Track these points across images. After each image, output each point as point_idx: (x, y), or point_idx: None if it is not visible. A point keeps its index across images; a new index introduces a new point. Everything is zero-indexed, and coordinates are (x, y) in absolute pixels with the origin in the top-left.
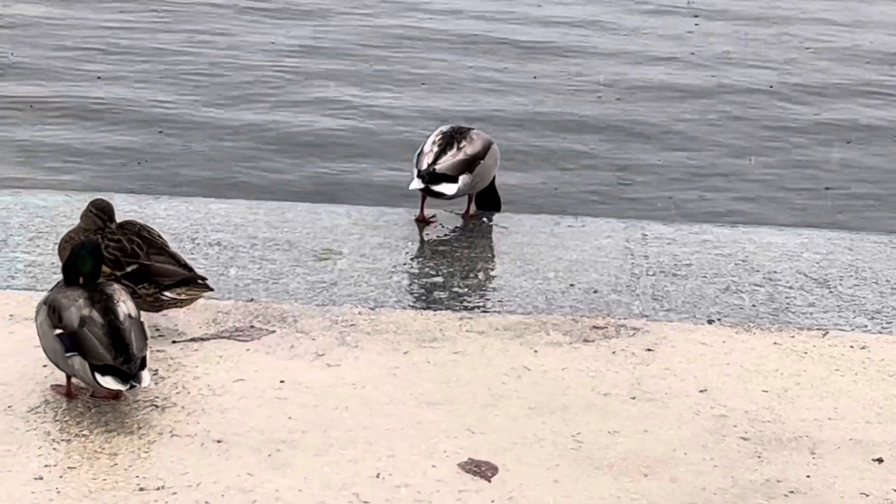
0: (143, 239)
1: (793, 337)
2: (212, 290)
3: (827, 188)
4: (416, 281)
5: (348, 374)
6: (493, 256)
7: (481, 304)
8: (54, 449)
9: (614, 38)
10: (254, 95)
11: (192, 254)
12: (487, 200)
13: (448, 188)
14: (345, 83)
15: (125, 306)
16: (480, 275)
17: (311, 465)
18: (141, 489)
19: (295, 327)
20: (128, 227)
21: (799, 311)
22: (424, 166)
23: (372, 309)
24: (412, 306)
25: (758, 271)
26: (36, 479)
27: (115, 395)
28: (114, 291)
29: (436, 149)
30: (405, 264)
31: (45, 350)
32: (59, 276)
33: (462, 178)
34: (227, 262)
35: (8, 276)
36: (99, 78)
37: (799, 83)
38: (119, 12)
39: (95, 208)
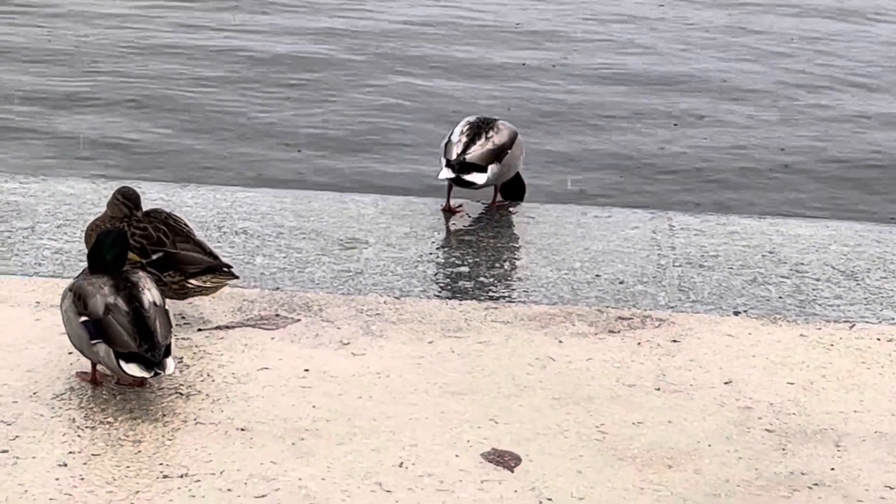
0: (169, 227)
1: (819, 329)
2: (237, 277)
3: None
4: (441, 270)
5: (373, 363)
6: (519, 246)
7: (507, 294)
8: (79, 436)
9: None
10: None
11: (218, 242)
12: (512, 190)
13: (478, 178)
14: None
15: (150, 294)
16: (506, 265)
17: (334, 453)
18: (164, 476)
19: (320, 316)
20: (154, 214)
21: (826, 304)
22: (454, 156)
23: (397, 298)
24: (437, 296)
25: (785, 263)
26: (60, 465)
27: (140, 382)
28: (139, 279)
29: (464, 139)
30: (431, 254)
31: (70, 337)
32: (86, 264)
33: (491, 168)
34: (254, 250)
35: (35, 263)
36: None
37: None
38: None
39: (122, 196)
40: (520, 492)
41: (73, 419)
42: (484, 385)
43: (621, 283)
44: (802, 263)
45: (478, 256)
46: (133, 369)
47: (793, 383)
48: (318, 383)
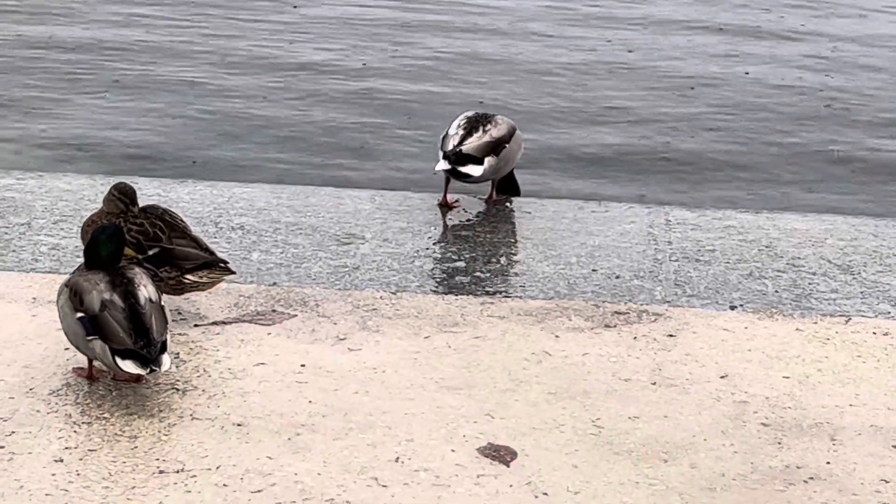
0: (166, 223)
1: (815, 323)
2: (233, 273)
3: None
4: (438, 265)
5: (369, 358)
6: (516, 241)
7: (503, 288)
8: (75, 431)
9: None
10: None
11: (215, 238)
12: (506, 186)
13: (474, 170)
14: None
15: (146, 290)
16: (503, 259)
17: (330, 448)
18: (161, 472)
19: (317, 311)
20: (150, 210)
21: (822, 298)
22: (450, 147)
23: (394, 293)
24: (434, 291)
25: (781, 257)
26: (56, 461)
27: (136, 378)
28: (135, 275)
29: (461, 132)
30: (427, 249)
31: (66, 333)
32: (83, 260)
33: (488, 161)
34: (250, 246)
35: (32, 259)
36: None
37: None
38: None
39: (118, 192)
40: (515, 486)
41: (70, 415)
42: (480, 380)
43: (618, 277)
44: (799, 257)
45: (474, 251)
46: (129, 366)
47: (788, 377)
48: (315, 378)
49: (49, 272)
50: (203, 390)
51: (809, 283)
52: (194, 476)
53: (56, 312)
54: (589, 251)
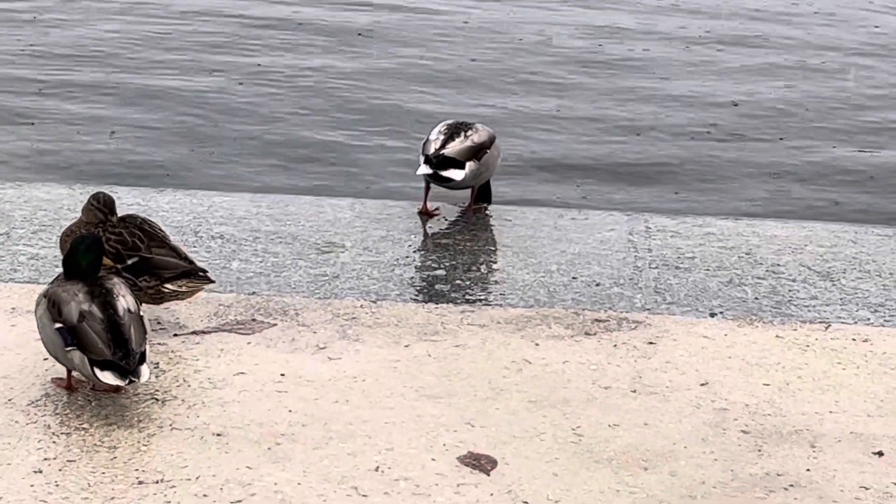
0: (144, 232)
1: (795, 330)
2: (212, 282)
3: None
4: (418, 274)
5: (349, 367)
6: (496, 249)
7: (483, 297)
8: (54, 442)
9: None
10: None
11: (194, 247)
12: (480, 193)
13: (456, 174)
14: None
15: (125, 301)
16: (483, 268)
17: (310, 458)
18: (140, 482)
19: (297, 320)
20: (129, 220)
21: (802, 304)
22: (432, 151)
23: (374, 302)
24: (414, 299)
25: (761, 264)
26: (35, 472)
27: (116, 389)
28: (114, 286)
29: (442, 137)
30: (408, 257)
31: (44, 343)
32: (61, 270)
33: (469, 165)
34: (230, 255)
35: (11, 269)
36: None
37: None
38: None
39: (97, 201)
40: (496, 495)
41: (49, 425)
42: (460, 388)
43: (598, 285)
44: (779, 264)
45: (454, 259)
46: (107, 377)
47: (768, 384)
48: (295, 388)
49: (28, 282)
50: (183, 400)
51: (789, 290)
52: (174, 486)
53: (35, 323)
54: (569, 259)
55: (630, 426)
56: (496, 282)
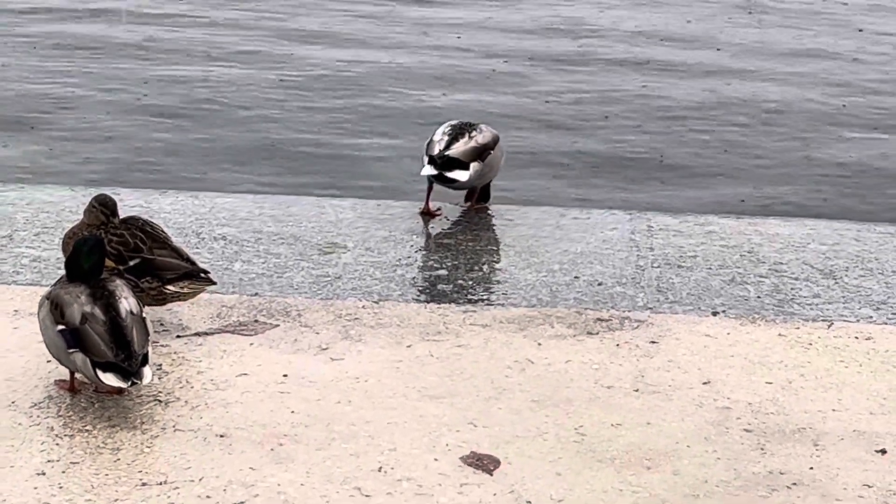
0: (146, 233)
1: (798, 328)
2: (214, 283)
3: None
4: (420, 274)
5: (351, 367)
6: (498, 249)
7: (485, 296)
8: (57, 444)
9: None
10: None
11: (197, 248)
12: (481, 193)
13: (460, 174)
14: None
15: (127, 303)
16: (485, 268)
17: (313, 459)
18: (143, 484)
19: (299, 321)
20: (131, 221)
21: (804, 303)
22: (436, 152)
23: (376, 302)
24: (416, 299)
25: (763, 262)
26: (38, 474)
27: (118, 390)
28: (116, 287)
29: (447, 137)
30: (410, 257)
31: (47, 345)
32: (64, 272)
33: (473, 166)
34: (232, 256)
35: (13, 271)
36: None
37: None
38: None
39: (98, 203)
40: (499, 495)
41: (52, 427)
42: (463, 388)
43: (600, 284)
44: (781, 263)
45: (456, 259)
46: (110, 379)
47: (771, 383)
48: (297, 389)
49: (30, 284)
50: (186, 401)
51: (791, 289)
52: (177, 488)
53: (37, 325)
54: (571, 258)
55: (633, 425)
56: (498, 281)
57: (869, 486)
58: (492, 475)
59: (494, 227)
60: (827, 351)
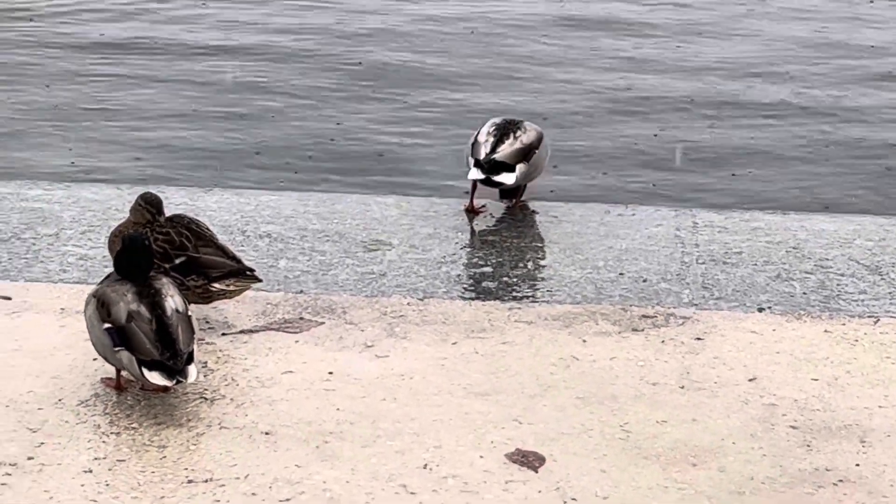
0: (192, 231)
1: (844, 325)
2: (260, 280)
3: None
4: (465, 271)
5: (396, 365)
6: (543, 246)
7: (530, 293)
8: (104, 442)
9: None
10: None
11: (242, 246)
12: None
13: (507, 178)
14: None
15: (173, 301)
16: (529, 264)
17: (358, 456)
18: (189, 481)
19: (344, 318)
20: (176, 220)
21: (850, 299)
22: (482, 155)
23: (421, 300)
24: (461, 297)
25: (809, 258)
26: (85, 471)
27: (164, 388)
28: (162, 286)
29: (492, 139)
30: (454, 254)
31: (93, 343)
32: (110, 270)
33: (519, 167)
34: (277, 253)
35: (60, 269)
36: None
37: None
38: None
39: (144, 202)
40: (544, 492)
41: (98, 425)
42: (508, 385)
43: (645, 281)
44: (827, 258)
45: (501, 256)
46: (155, 377)
47: (817, 379)
48: (342, 386)
49: (77, 283)
50: (231, 399)
51: (837, 285)
52: (223, 485)
53: (84, 323)
54: (616, 255)
55: (678, 422)
56: (543, 278)
57: None
58: (537, 472)
59: (539, 224)
60: (873, 347)
